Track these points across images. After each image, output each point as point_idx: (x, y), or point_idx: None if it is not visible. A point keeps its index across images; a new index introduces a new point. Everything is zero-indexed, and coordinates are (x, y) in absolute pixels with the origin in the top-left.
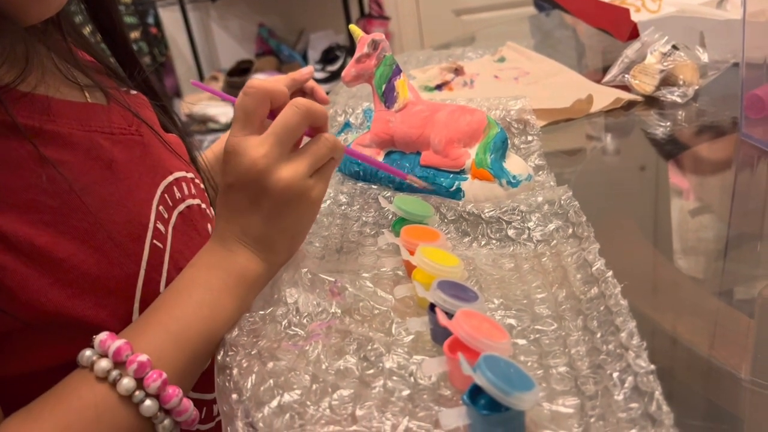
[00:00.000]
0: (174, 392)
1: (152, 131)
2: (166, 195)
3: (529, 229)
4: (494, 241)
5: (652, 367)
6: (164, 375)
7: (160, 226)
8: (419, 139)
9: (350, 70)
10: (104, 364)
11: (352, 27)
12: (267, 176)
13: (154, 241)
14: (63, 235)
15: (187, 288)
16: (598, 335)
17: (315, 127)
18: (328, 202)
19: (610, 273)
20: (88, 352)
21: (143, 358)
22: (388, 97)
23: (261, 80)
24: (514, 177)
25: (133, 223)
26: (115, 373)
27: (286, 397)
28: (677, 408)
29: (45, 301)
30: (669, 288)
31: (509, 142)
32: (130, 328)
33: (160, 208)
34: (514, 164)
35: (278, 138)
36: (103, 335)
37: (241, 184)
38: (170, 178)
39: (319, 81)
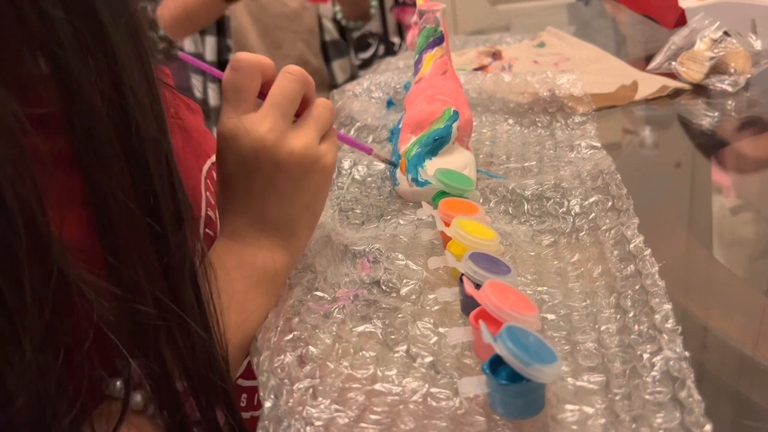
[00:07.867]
0: None
1: (189, 111)
2: (208, 180)
3: (568, 201)
4: (533, 218)
5: (686, 353)
6: None
7: (211, 213)
8: (405, 117)
9: (409, 35)
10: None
11: None
12: (278, 150)
13: (207, 230)
14: None
15: None
16: (631, 314)
17: (305, 96)
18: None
19: (648, 251)
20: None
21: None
22: (416, 68)
23: (248, 54)
24: (419, 176)
25: None
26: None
27: (309, 349)
28: (704, 398)
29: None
30: (708, 281)
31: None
32: None
33: (207, 193)
34: (445, 164)
35: (280, 109)
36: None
37: (250, 167)
38: (209, 162)
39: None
